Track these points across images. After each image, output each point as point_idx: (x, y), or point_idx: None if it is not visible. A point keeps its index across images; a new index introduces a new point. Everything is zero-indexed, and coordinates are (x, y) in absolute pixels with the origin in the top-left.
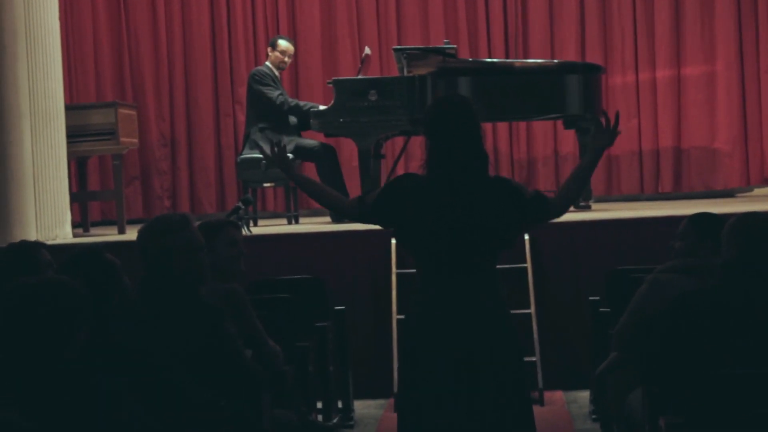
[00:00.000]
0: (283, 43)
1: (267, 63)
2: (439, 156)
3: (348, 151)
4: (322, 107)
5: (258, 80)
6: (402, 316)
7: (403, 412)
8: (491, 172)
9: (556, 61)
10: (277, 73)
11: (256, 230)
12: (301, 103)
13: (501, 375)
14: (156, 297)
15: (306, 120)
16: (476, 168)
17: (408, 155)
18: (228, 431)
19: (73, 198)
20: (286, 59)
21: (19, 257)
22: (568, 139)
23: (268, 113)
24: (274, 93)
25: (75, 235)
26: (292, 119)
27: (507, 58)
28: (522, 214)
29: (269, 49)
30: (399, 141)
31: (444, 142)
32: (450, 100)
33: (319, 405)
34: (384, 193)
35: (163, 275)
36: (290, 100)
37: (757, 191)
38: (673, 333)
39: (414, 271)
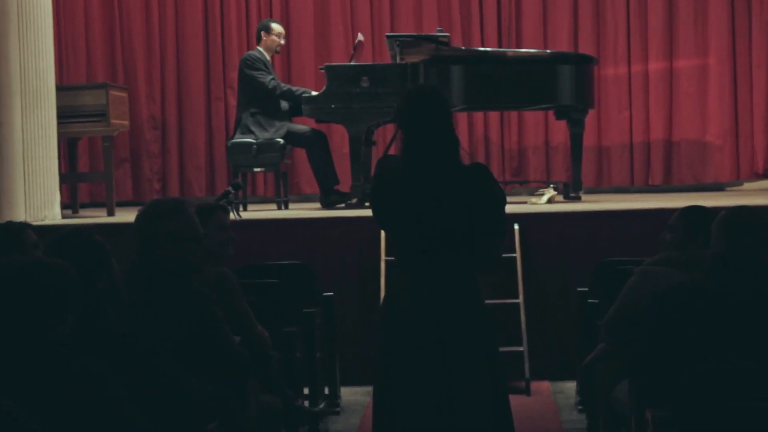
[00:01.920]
0: (276, 27)
1: (259, 48)
2: (416, 144)
3: (339, 137)
4: (314, 93)
5: (250, 65)
6: None
7: (378, 399)
8: (466, 160)
9: (548, 51)
10: (268, 57)
11: (245, 215)
12: (294, 87)
13: (473, 363)
14: (144, 282)
15: (298, 105)
16: (450, 154)
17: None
18: (214, 416)
19: (63, 179)
20: (281, 42)
21: (4, 238)
22: (559, 130)
23: (259, 98)
24: (266, 77)
25: (64, 217)
26: (284, 104)
27: (500, 47)
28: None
29: (263, 33)
30: (390, 128)
31: (420, 131)
32: (423, 90)
33: (306, 391)
34: (374, 190)
35: (153, 260)
36: (282, 84)
37: (746, 185)
38: (660, 325)
39: None
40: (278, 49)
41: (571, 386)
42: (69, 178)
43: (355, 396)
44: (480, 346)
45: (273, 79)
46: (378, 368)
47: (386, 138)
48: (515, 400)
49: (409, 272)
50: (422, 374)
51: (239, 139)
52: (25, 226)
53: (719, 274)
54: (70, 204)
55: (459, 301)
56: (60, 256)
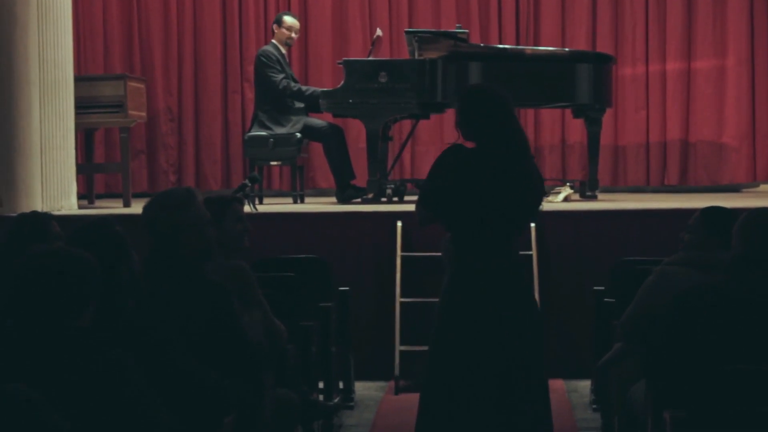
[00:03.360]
0: (288, 19)
1: (273, 41)
2: (493, 140)
3: (355, 131)
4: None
5: (263, 62)
6: (406, 299)
7: (434, 373)
8: None
9: (567, 49)
10: (284, 50)
11: (261, 208)
12: (303, 88)
13: (530, 348)
14: (162, 273)
15: (309, 104)
16: (522, 148)
17: (415, 138)
18: (230, 409)
19: (79, 170)
20: (292, 35)
21: (31, 227)
22: (576, 128)
23: (273, 95)
24: (277, 77)
25: (80, 207)
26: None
27: (518, 45)
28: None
29: (275, 26)
30: (407, 124)
31: (496, 127)
32: (491, 90)
33: (321, 385)
34: (446, 173)
35: (169, 251)
36: (293, 85)
37: (763, 187)
38: (678, 326)
39: (419, 254)
40: (289, 42)
41: (585, 385)
42: (85, 169)
43: (370, 391)
44: (536, 332)
45: (284, 77)
46: (433, 355)
47: (402, 133)
48: None
49: (471, 257)
50: (481, 359)
51: (256, 132)
52: (50, 217)
53: (739, 276)
54: (86, 194)
55: (518, 286)
56: (81, 246)
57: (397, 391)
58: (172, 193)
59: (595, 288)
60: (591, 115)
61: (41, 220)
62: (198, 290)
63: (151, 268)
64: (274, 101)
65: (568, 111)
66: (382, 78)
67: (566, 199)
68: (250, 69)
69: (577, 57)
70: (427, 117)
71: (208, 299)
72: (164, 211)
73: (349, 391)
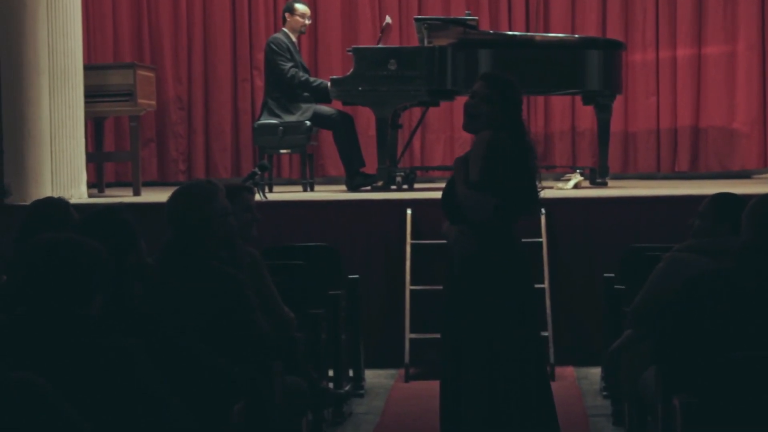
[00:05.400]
0: (300, 7)
1: (284, 29)
2: (522, 129)
3: (365, 119)
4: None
5: (273, 50)
6: (416, 287)
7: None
8: None
9: (577, 36)
10: (294, 38)
11: (271, 196)
12: (311, 79)
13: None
14: (180, 262)
15: (316, 96)
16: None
17: (425, 126)
18: (240, 397)
19: (89, 158)
20: (306, 22)
21: (50, 214)
22: (586, 115)
23: (282, 83)
24: (286, 65)
25: (90, 196)
26: None
27: (528, 32)
28: None
29: (287, 14)
30: (416, 111)
31: (521, 116)
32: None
33: (330, 373)
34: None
35: (192, 242)
36: (301, 74)
37: None
38: (688, 312)
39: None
40: (303, 29)
41: (595, 372)
42: (95, 158)
43: (379, 378)
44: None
45: (293, 66)
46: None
47: (412, 121)
48: None
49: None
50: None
51: (265, 120)
52: (67, 204)
53: (749, 262)
54: (96, 183)
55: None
56: (90, 235)
57: (407, 378)
58: (198, 187)
59: (605, 275)
60: (601, 102)
61: (61, 206)
62: (213, 279)
63: (169, 257)
64: (284, 89)
65: (578, 98)
66: (392, 65)
67: (576, 186)
68: (260, 57)
69: (587, 43)
70: (436, 104)
71: (222, 288)
72: (194, 204)
73: (359, 378)
